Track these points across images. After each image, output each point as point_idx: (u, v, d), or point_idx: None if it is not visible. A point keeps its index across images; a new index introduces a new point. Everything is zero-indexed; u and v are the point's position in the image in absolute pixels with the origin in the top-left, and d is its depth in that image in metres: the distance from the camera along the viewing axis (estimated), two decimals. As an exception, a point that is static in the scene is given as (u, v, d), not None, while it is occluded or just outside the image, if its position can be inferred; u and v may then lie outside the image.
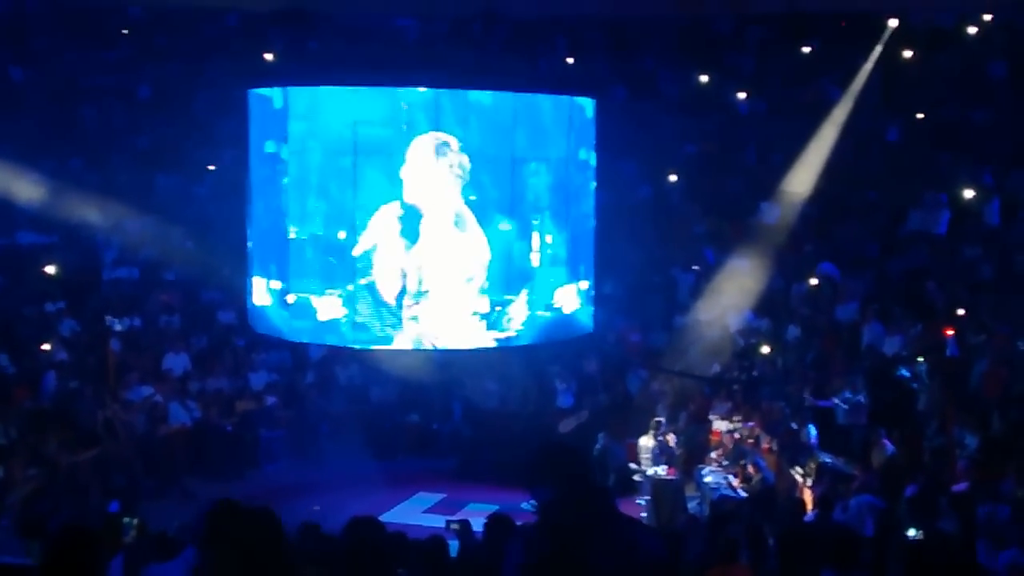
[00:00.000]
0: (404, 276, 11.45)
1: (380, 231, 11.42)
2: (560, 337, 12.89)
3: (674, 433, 14.80)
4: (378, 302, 11.50)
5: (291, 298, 11.77)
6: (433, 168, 11.34)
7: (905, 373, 14.80)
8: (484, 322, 11.72)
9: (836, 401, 14.56)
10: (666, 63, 22.45)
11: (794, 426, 14.18)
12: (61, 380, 15.46)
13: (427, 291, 11.48)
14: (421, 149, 11.32)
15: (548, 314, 12.17)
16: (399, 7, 22.98)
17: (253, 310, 12.75)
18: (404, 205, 11.41)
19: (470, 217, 11.50)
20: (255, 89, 12.40)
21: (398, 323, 11.52)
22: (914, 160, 19.41)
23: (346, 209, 11.53)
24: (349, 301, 11.53)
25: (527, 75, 19.86)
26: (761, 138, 20.94)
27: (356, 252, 11.43)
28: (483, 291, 11.63)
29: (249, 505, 4.23)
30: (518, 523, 9.13)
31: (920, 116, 20.31)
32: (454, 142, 11.36)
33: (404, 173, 11.36)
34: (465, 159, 11.39)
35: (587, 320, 13.00)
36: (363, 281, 11.49)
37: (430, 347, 11.80)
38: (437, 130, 11.33)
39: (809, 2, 21.71)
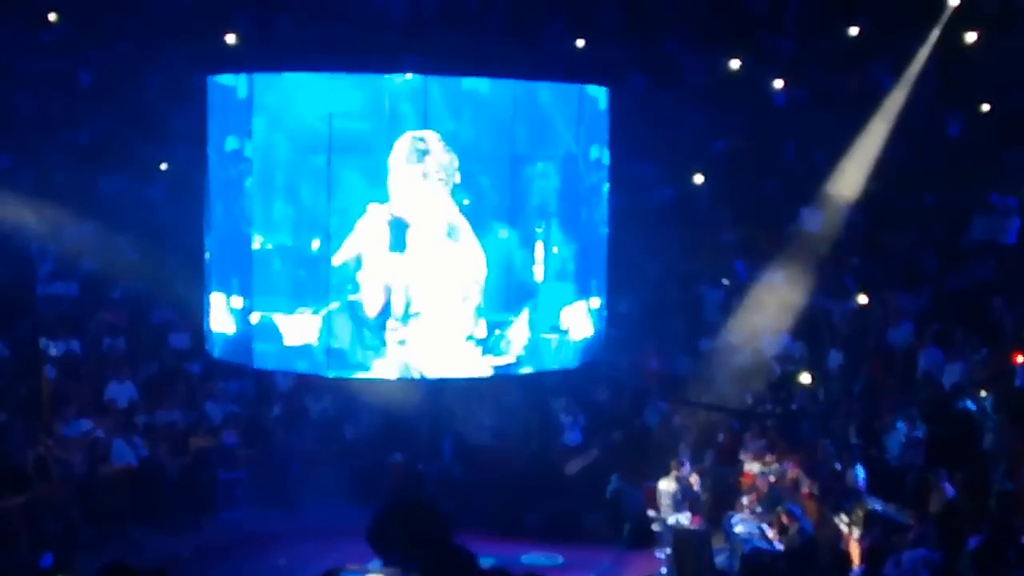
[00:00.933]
0: (389, 293, 11.48)
1: (365, 238, 11.46)
2: (566, 363, 12.90)
3: (699, 475, 14.81)
4: (359, 323, 11.52)
5: (255, 318, 11.80)
6: (409, 176, 11.39)
7: (968, 406, 14.82)
8: (479, 347, 11.74)
9: (890, 439, 14.61)
10: (691, 46, 22.52)
11: (838, 467, 14.20)
12: (-13, 413, 15.50)
13: (417, 312, 11.51)
14: (396, 154, 11.39)
15: (553, 336, 12.20)
16: (382, -20, 23.08)
17: (210, 332, 12.77)
18: (391, 212, 11.46)
19: (464, 227, 11.54)
20: (214, 76, 12.44)
21: (381, 347, 11.54)
22: (979, 158, 19.47)
23: (319, 215, 11.54)
24: (324, 322, 11.55)
25: (530, 60, 19.94)
26: (801, 133, 21.00)
27: (336, 261, 11.46)
28: (479, 312, 11.66)
29: (142, 569, 4.15)
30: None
31: (986, 108, 20.37)
32: (434, 140, 11.38)
33: (389, 181, 11.44)
34: (450, 159, 11.41)
35: (598, 343, 13.03)
36: (341, 299, 11.51)
37: (417, 376, 11.81)
38: (425, 124, 11.37)
39: (857, -25, 21.80)
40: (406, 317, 11.50)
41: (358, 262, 11.48)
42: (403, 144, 11.37)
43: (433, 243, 11.49)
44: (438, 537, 4.55)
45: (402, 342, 11.50)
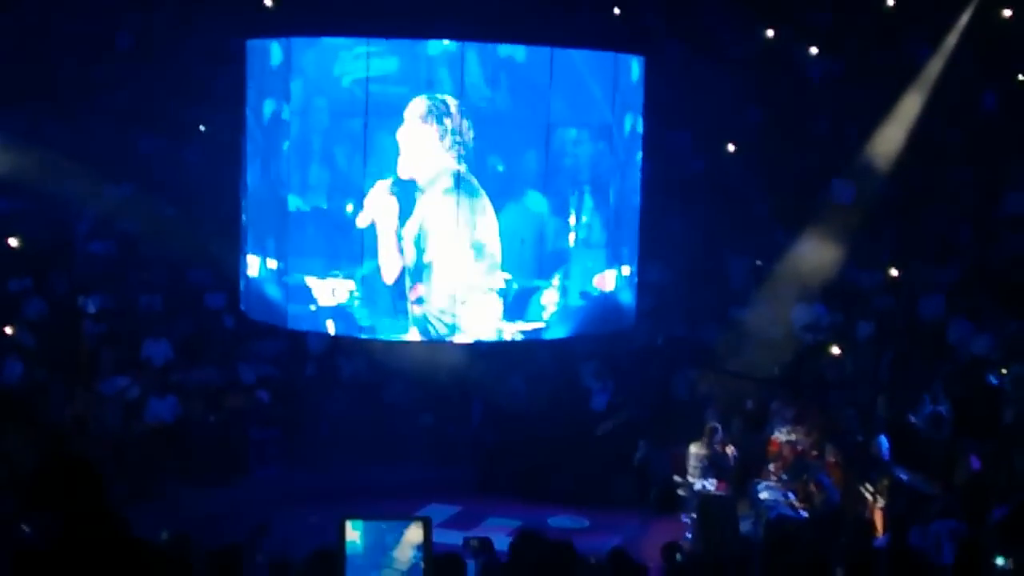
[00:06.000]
0: (404, 254, 11.55)
1: (376, 208, 11.54)
2: (597, 330, 12.95)
3: (732, 444, 14.83)
4: (383, 285, 11.63)
5: (290, 279, 11.90)
6: (425, 134, 11.43)
7: (996, 377, 14.82)
8: (504, 306, 11.76)
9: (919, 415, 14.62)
10: (727, 16, 22.41)
11: (860, 438, 14.24)
12: (26, 369, 15.66)
13: (432, 270, 11.56)
14: (411, 112, 11.43)
15: (584, 303, 12.25)
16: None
17: (246, 292, 12.88)
18: (397, 177, 11.51)
19: (475, 184, 11.56)
20: (253, 40, 12.51)
21: (404, 307, 11.63)
22: (1014, 132, 19.34)
23: (354, 178, 11.62)
24: (356, 284, 11.65)
25: (566, 28, 19.89)
26: (836, 105, 20.91)
27: (360, 228, 11.57)
28: (495, 267, 11.69)
29: None
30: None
31: (1022, 78, 20.18)
32: (452, 103, 11.43)
33: (399, 136, 11.47)
34: (464, 121, 11.44)
35: (629, 311, 13.07)
36: (371, 264, 11.61)
37: (444, 332, 11.83)
38: (462, 90, 11.41)
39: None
40: (422, 272, 11.56)
41: (370, 233, 11.56)
42: (420, 103, 11.41)
43: (444, 202, 11.53)
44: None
45: (420, 300, 11.57)
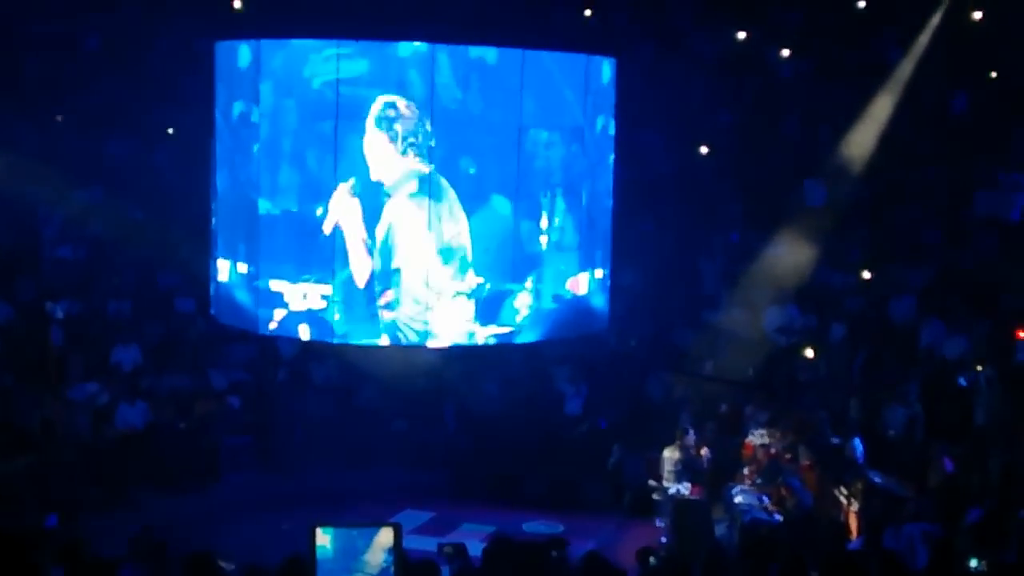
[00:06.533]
0: (373, 258, 11.49)
1: (340, 212, 11.47)
2: (571, 333, 12.90)
3: (707, 446, 14.81)
4: (354, 290, 11.56)
5: (261, 283, 11.81)
6: (379, 140, 11.38)
7: (968, 379, 14.84)
8: (476, 310, 11.70)
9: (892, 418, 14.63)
10: (699, 17, 22.43)
11: (835, 440, 14.23)
12: (-7, 375, 15.54)
13: (398, 268, 11.49)
14: (368, 119, 11.38)
15: (557, 306, 12.20)
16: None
17: (216, 297, 12.78)
18: (360, 179, 11.44)
19: (445, 186, 11.50)
20: (222, 41, 12.41)
21: (376, 312, 11.57)
22: (984, 133, 19.41)
23: (325, 181, 11.54)
24: (333, 288, 11.57)
25: (538, 29, 19.86)
26: (807, 106, 20.94)
27: (327, 233, 11.51)
28: (465, 267, 11.63)
29: None
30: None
31: (993, 77, 20.25)
32: (403, 104, 11.36)
33: (364, 146, 11.42)
34: (420, 121, 11.36)
35: (602, 314, 13.03)
36: (342, 268, 11.53)
37: (414, 339, 11.76)
38: (432, 92, 11.35)
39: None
40: (391, 278, 11.49)
41: (341, 237, 11.49)
42: (374, 109, 11.37)
43: (411, 206, 11.46)
44: None
45: (391, 305, 11.50)
